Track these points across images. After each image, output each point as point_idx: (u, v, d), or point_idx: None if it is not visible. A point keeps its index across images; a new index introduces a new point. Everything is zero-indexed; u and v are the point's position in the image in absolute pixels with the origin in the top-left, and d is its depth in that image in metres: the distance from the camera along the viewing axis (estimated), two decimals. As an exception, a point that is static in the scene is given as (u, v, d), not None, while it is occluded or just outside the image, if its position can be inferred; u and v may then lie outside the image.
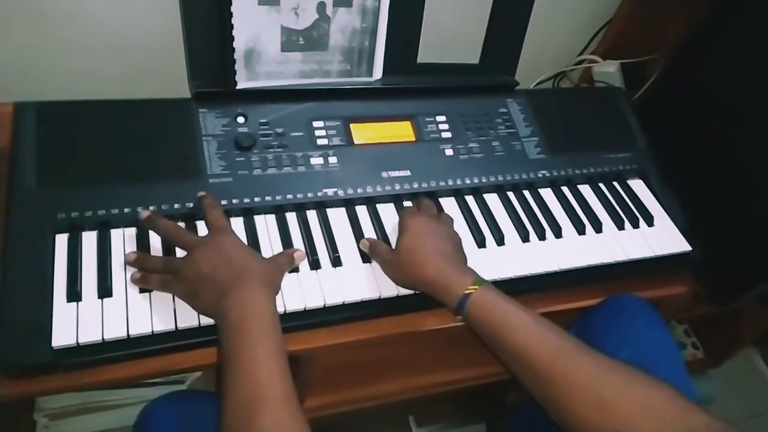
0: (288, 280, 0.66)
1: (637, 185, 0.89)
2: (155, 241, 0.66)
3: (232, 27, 0.71)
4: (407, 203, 0.77)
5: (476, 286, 0.63)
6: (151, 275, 0.62)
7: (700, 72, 0.94)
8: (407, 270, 0.66)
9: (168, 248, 0.66)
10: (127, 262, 0.63)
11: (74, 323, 0.57)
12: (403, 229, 0.68)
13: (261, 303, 0.57)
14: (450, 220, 0.74)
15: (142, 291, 0.62)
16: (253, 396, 0.50)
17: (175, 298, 0.61)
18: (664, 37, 1.05)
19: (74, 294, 0.59)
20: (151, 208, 0.66)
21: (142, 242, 0.65)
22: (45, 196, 0.64)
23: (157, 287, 0.62)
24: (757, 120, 0.84)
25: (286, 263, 0.66)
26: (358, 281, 0.68)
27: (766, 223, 0.82)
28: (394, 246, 0.70)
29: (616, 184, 0.88)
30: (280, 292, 0.64)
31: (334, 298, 0.66)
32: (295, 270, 0.68)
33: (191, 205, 0.68)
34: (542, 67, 1.12)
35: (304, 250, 0.69)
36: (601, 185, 0.88)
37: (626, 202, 0.86)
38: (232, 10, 0.70)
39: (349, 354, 0.83)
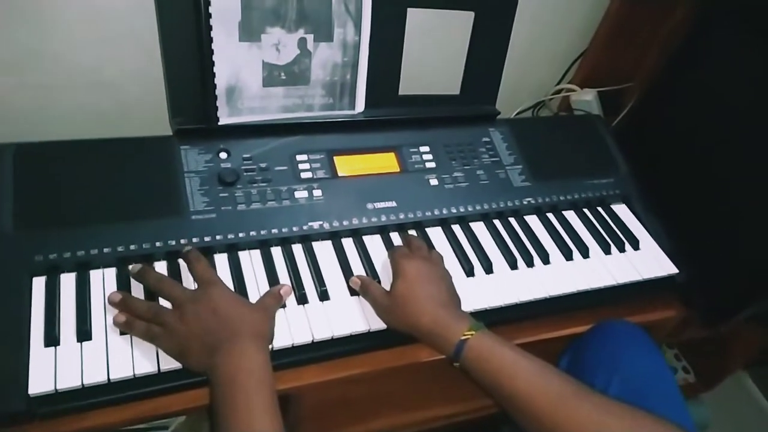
0: (275, 317, 0.65)
1: (621, 210, 0.90)
2: (136, 283, 0.64)
3: (213, 64, 0.71)
4: (396, 240, 0.76)
5: (472, 332, 0.62)
6: (136, 322, 0.60)
7: (677, 98, 0.96)
8: (402, 317, 0.65)
9: (151, 293, 0.64)
10: (110, 302, 0.61)
11: (52, 369, 0.55)
12: (398, 274, 0.67)
13: (253, 357, 0.57)
14: (440, 258, 0.73)
15: (122, 333, 0.60)
16: None
17: (158, 338, 0.60)
18: (640, 65, 1.08)
19: (52, 338, 0.57)
20: (132, 247, 0.65)
21: (122, 283, 0.63)
22: (21, 238, 0.62)
23: (142, 336, 0.59)
24: (733, 142, 0.86)
25: (274, 304, 0.64)
26: (346, 315, 0.67)
27: (751, 245, 0.83)
28: (383, 282, 0.69)
29: (600, 209, 0.89)
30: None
31: (323, 333, 0.65)
32: (282, 306, 0.66)
33: (173, 243, 0.67)
34: (521, 97, 1.14)
35: (290, 284, 0.68)
36: (586, 210, 0.88)
37: (611, 226, 0.86)
38: (212, 47, 0.70)
39: (340, 390, 0.80)
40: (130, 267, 0.64)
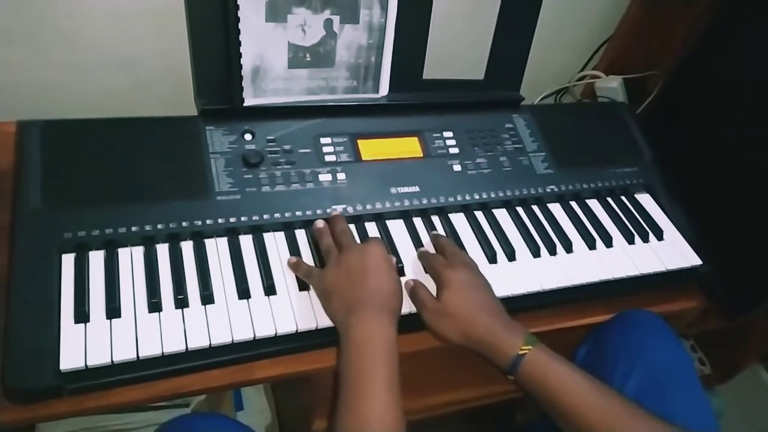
0: (300, 298, 0.65)
1: (645, 199, 0.89)
2: (163, 259, 0.65)
3: (239, 44, 0.71)
4: (419, 225, 0.76)
5: (529, 347, 0.62)
6: (302, 264, 0.67)
7: (702, 86, 0.95)
8: (454, 327, 0.65)
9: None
10: (315, 227, 0.70)
11: (82, 345, 0.56)
12: (445, 284, 0.66)
13: (386, 330, 0.59)
14: (474, 264, 0.72)
15: (151, 311, 0.60)
16: (369, 421, 0.53)
17: (186, 318, 0.60)
18: (665, 52, 1.06)
19: (82, 315, 0.58)
20: (159, 226, 0.65)
21: (150, 262, 0.64)
22: (51, 215, 0.63)
23: (303, 275, 0.66)
24: (759, 132, 0.85)
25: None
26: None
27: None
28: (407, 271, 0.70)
29: (623, 198, 0.88)
30: (291, 310, 0.64)
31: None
32: (306, 288, 0.66)
33: (199, 223, 0.67)
34: (545, 83, 1.13)
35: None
36: (609, 199, 0.87)
37: (635, 216, 0.86)
38: (239, 27, 0.70)
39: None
40: (317, 222, 0.70)
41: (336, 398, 0.56)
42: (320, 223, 0.70)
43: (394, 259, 0.69)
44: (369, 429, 0.53)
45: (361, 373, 0.56)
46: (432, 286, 0.69)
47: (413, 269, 0.72)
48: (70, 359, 0.55)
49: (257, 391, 1.06)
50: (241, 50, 0.72)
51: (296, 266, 0.67)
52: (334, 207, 0.73)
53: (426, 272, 0.71)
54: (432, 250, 0.74)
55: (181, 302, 0.61)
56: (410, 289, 0.68)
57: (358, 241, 0.71)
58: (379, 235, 0.74)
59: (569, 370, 0.61)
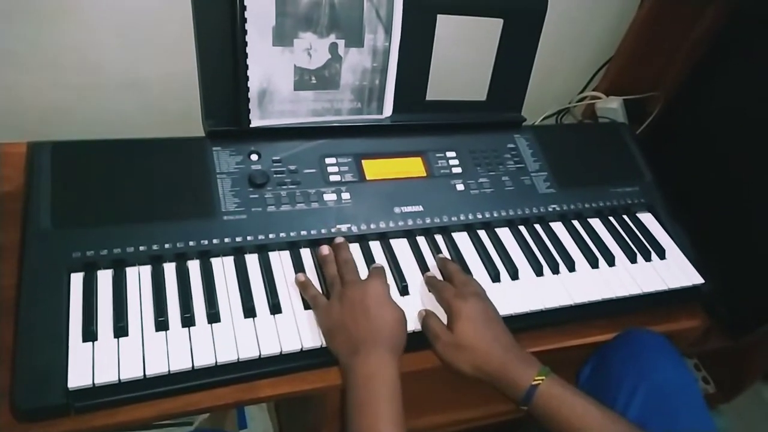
0: (305, 317, 0.66)
1: (647, 218, 0.90)
2: (170, 279, 0.66)
3: (247, 67, 0.73)
4: (422, 244, 0.77)
5: (542, 377, 0.63)
6: (311, 287, 0.68)
7: (702, 106, 0.96)
8: (468, 359, 0.65)
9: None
10: (320, 253, 0.71)
11: (90, 364, 0.56)
12: (456, 316, 0.66)
13: (388, 369, 0.60)
14: (483, 288, 0.72)
15: (158, 330, 0.61)
16: None
17: (192, 336, 0.61)
18: (665, 73, 1.08)
19: (90, 333, 0.58)
20: (166, 245, 0.66)
21: (157, 281, 0.65)
22: (60, 235, 0.64)
23: (308, 299, 0.67)
24: (758, 153, 0.86)
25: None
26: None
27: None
28: (412, 293, 0.71)
29: (625, 217, 0.89)
30: (296, 328, 0.65)
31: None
32: (309, 307, 0.67)
33: (205, 242, 0.68)
34: (546, 103, 1.14)
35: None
36: (611, 219, 0.88)
37: (637, 235, 0.86)
38: (247, 51, 0.72)
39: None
40: (322, 248, 0.71)
41: None
42: (325, 250, 0.71)
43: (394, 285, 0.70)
44: None
45: (366, 409, 0.57)
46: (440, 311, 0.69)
47: (418, 291, 0.72)
48: (78, 377, 0.55)
49: (261, 409, 1.06)
50: (248, 73, 0.73)
51: (304, 286, 0.68)
52: (338, 226, 0.74)
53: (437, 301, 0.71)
54: (438, 274, 0.74)
55: (188, 321, 0.62)
56: (422, 319, 0.68)
57: (362, 266, 0.72)
58: (383, 255, 0.75)
59: (583, 402, 0.62)
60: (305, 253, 0.72)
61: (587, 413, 0.61)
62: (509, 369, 0.63)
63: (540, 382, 0.62)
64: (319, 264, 0.71)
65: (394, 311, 0.65)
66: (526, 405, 0.63)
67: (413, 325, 0.68)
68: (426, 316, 0.68)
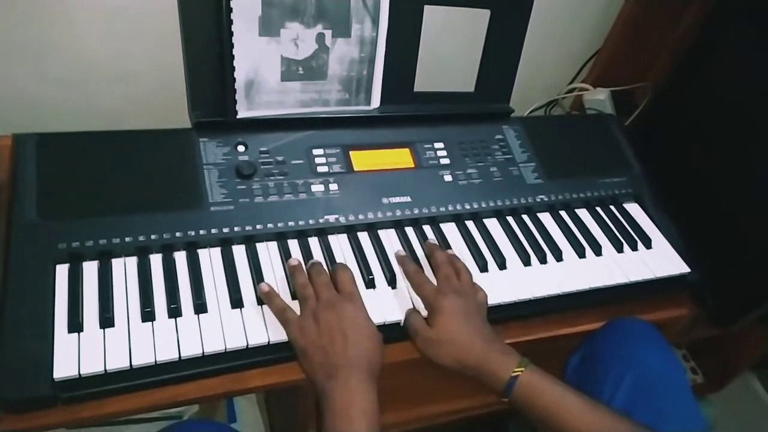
0: (292, 307, 0.65)
1: (634, 209, 0.91)
2: (156, 270, 0.65)
3: (233, 58, 0.72)
4: (411, 234, 0.77)
5: (521, 368, 0.63)
6: (276, 299, 0.64)
7: (689, 97, 0.96)
8: (448, 353, 0.65)
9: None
10: (288, 265, 0.67)
11: (76, 354, 0.56)
12: (436, 311, 0.66)
13: (367, 396, 0.59)
14: (469, 279, 0.71)
15: (144, 321, 0.61)
16: None
17: (179, 326, 0.61)
18: (653, 64, 1.08)
19: (76, 325, 0.58)
20: (153, 237, 0.66)
21: (143, 272, 0.64)
22: (45, 226, 0.63)
23: (275, 314, 0.64)
24: (745, 142, 0.86)
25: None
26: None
27: (762, 245, 0.84)
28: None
29: (612, 207, 0.90)
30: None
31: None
32: (297, 298, 0.67)
33: (193, 233, 0.68)
34: (534, 96, 1.15)
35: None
36: (599, 209, 0.89)
37: (624, 225, 0.87)
38: (233, 41, 0.71)
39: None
40: (291, 260, 0.68)
41: None
42: (294, 261, 0.68)
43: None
44: None
45: None
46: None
47: (405, 282, 0.72)
48: (63, 368, 0.55)
49: (251, 403, 1.06)
50: (234, 64, 0.73)
51: (269, 298, 0.65)
52: (326, 217, 0.73)
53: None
54: (425, 262, 0.74)
55: (175, 311, 0.62)
56: (405, 315, 0.69)
57: (351, 258, 0.71)
58: (371, 245, 0.75)
59: (562, 390, 0.63)
60: (293, 244, 0.72)
61: (566, 400, 0.62)
62: (490, 361, 0.64)
63: (520, 373, 0.63)
64: (289, 273, 0.68)
65: (371, 336, 0.64)
66: (508, 396, 0.63)
67: (401, 315, 0.68)
68: (408, 314, 0.68)
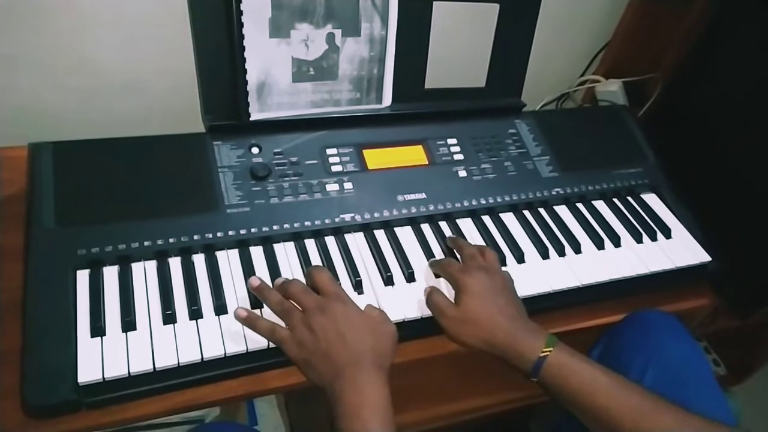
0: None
1: (651, 199, 0.90)
2: (176, 273, 0.66)
3: (244, 61, 0.73)
4: (426, 231, 0.77)
5: (549, 349, 0.62)
6: (259, 321, 0.61)
7: (702, 86, 0.96)
8: (475, 333, 0.64)
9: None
10: (249, 286, 0.63)
11: (99, 358, 0.56)
12: (462, 290, 0.66)
13: (377, 392, 0.57)
14: (495, 259, 0.71)
15: (166, 323, 0.61)
16: None
17: (200, 328, 0.61)
18: (664, 54, 1.07)
19: (98, 329, 0.58)
20: (171, 240, 0.66)
21: (163, 276, 0.65)
22: (64, 233, 0.64)
23: (266, 335, 0.61)
24: (760, 129, 0.85)
25: (387, 318, 0.64)
26: (378, 305, 0.67)
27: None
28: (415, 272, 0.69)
29: (630, 198, 0.89)
30: None
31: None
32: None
33: (210, 236, 0.68)
34: (546, 90, 1.14)
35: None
36: (616, 200, 0.88)
37: (642, 215, 0.86)
38: (244, 44, 0.72)
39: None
40: (251, 280, 0.63)
41: None
42: (255, 282, 0.63)
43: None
44: None
45: None
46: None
47: (424, 277, 0.72)
48: (87, 372, 0.55)
49: (271, 406, 1.06)
50: (246, 66, 0.73)
51: (252, 321, 0.61)
52: (342, 216, 0.73)
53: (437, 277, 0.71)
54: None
55: (195, 313, 0.62)
56: (427, 296, 0.68)
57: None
58: (388, 243, 0.74)
59: (591, 369, 0.62)
60: (310, 244, 0.72)
61: (596, 380, 0.61)
62: (516, 341, 0.63)
63: (548, 353, 0.62)
64: (257, 295, 0.63)
65: (372, 329, 0.61)
66: (536, 377, 0.63)
67: (420, 311, 0.68)
68: (430, 293, 0.68)
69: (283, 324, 0.61)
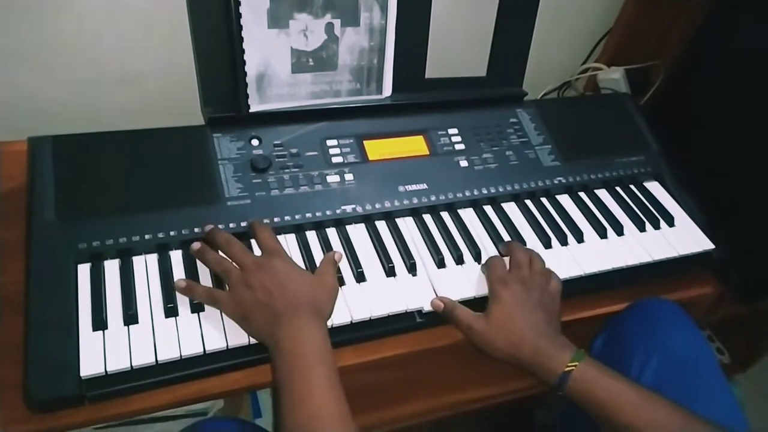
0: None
1: (654, 187, 0.89)
2: (177, 266, 0.65)
3: (243, 52, 0.72)
4: (428, 221, 0.77)
5: (575, 363, 0.62)
6: (197, 287, 0.62)
7: (705, 73, 0.95)
8: (501, 345, 0.64)
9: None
10: (191, 250, 0.64)
11: (101, 352, 0.56)
12: (495, 299, 0.66)
13: (313, 333, 0.58)
14: (540, 271, 0.70)
15: (168, 316, 0.61)
16: (311, 419, 0.52)
17: (202, 321, 0.61)
18: (666, 41, 1.07)
19: (100, 322, 0.58)
20: (172, 233, 0.66)
21: (164, 268, 0.64)
22: (65, 227, 0.63)
23: (204, 300, 0.62)
24: (762, 117, 0.85)
25: (332, 271, 0.65)
26: (380, 296, 0.68)
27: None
28: (425, 262, 0.69)
29: (632, 186, 0.88)
30: None
31: (361, 314, 0.65)
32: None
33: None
34: (547, 78, 1.13)
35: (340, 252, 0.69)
36: (618, 189, 0.87)
37: (645, 204, 0.85)
38: (242, 35, 0.71)
39: (374, 373, 0.81)
40: (192, 245, 0.65)
41: (279, 410, 0.55)
42: (197, 245, 0.65)
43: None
44: (316, 415, 0.52)
45: (296, 377, 0.54)
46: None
47: (425, 269, 0.72)
48: (90, 366, 0.55)
49: (275, 398, 1.06)
50: (245, 58, 0.73)
51: (190, 290, 0.62)
52: (343, 207, 0.73)
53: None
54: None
55: (197, 306, 0.62)
56: (446, 311, 0.67)
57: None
58: (389, 233, 0.74)
59: (619, 384, 0.61)
60: (311, 235, 0.72)
61: (622, 396, 0.60)
62: (542, 355, 0.63)
63: (573, 368, 0.61)
64: (198, 258, 0.65)
65: (312, 281, 0.63)
66: (562, 391, 0.62)
67: (421, 303, 0.68)
68: (452, 309, 0.67)
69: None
